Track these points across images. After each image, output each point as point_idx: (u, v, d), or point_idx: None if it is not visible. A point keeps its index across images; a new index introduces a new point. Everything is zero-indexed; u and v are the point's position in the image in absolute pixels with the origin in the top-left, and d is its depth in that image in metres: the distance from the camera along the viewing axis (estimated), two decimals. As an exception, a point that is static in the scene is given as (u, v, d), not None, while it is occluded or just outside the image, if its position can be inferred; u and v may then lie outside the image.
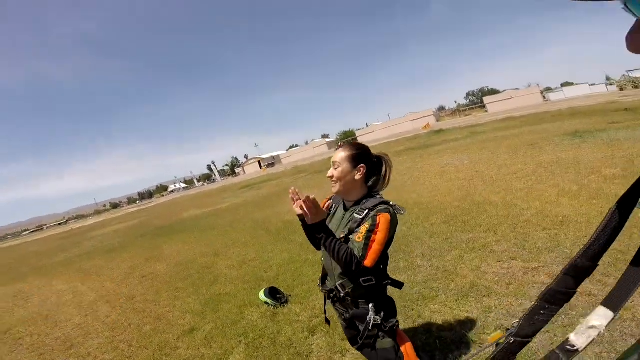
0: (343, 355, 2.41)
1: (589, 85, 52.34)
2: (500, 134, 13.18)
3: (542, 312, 0.53)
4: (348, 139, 65.40)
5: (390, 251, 5.13)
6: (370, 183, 1.57)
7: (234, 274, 4.74)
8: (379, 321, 1.52)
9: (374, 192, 1.56)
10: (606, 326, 0.48)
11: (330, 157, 1.60)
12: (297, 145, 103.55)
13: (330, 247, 1.37)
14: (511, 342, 0.56)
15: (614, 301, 0.47)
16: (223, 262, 5.49)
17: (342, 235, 1.48)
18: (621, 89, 45.04)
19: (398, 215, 1.47)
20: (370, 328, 1.52)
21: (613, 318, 0.48)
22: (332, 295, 1.63)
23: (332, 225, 1.58)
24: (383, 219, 1.38)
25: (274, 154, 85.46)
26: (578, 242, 3.15)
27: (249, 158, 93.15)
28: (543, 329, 0.55)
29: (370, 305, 1.54)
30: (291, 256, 4.83)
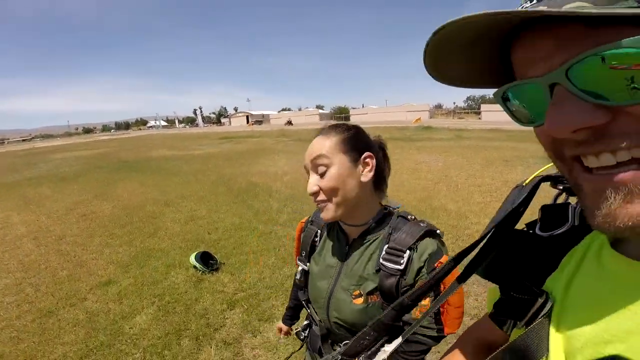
0: (254, 336, 2.37)
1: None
2: (482, 144, 13.27)
3: (367, 337, 0.62)
4: (341, 115, 64.68)
5: None
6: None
7: (176, 229, 4.58)
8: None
9: (389, 207, 0.92)
10: (392, 350, 0.61)
11: (319, 128, 0.89)
12: (289, 109, 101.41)
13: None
14: (338, 359, 0.67)
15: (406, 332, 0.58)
16: (171, 214, 5.31)
17: (356, 294, 0.85)
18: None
19: None
20: None
21: (400, 343, 0.59)
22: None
23: (319, 270, 0.94)
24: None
25: (265, 112, 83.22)
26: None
27: (237, 111, 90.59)
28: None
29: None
30: (241, 222, 4.71)
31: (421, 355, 0.85)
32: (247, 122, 70.37)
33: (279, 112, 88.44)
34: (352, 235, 0.91)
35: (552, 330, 0.37)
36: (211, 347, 2.26)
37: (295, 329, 1.18)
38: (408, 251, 0.79)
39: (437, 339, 0.85)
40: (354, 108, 70.60)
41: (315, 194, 0.82)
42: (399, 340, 0.59)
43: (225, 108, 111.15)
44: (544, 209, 0.49)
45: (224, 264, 3.42)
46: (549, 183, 0.50)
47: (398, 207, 0.93)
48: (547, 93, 0.29)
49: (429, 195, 5.71)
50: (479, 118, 48.58)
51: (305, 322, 1.13)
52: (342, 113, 68.13)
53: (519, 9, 0.26)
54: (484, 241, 0.51)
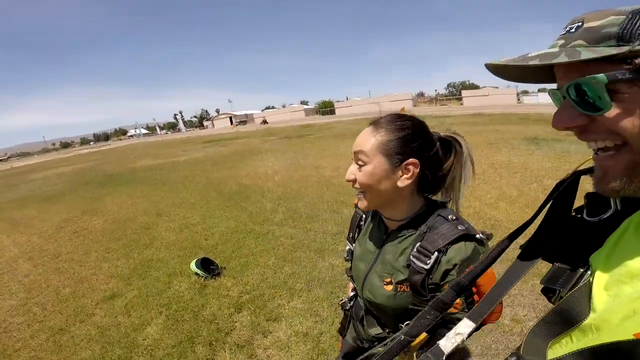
0: (264, 336, 2.40)
1: (565, 95, 54.65)
2: (466, 129, 13.50)
3: (427, 316, 0.64)
4: (326, 109, 64.75)
5: (334, 231, 4.88)
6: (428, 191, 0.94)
7: (172, 238, 4.55)
8: None
9: (435, 202, 0.93)
10: (468, 335, 0.57)
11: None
12: (273, 107, 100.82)
13: None
14: (401, 339, 0.67)
15: (476, 315, 0.57)
16: (164, 223, 5.25)
17: (387, 281, 0.90)
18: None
19: None
20: None
21: (474, 328, 0.57)
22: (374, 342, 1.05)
23: (361, 252, 1.02)
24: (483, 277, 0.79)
25: (248, 112, 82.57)
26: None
27: (220, 112, 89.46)
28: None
29: None
30: (237, 225, 4.70)
31: None
32: (231, 123, 69.72)
33: (262, 110, 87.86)
34: (391, 227, 0.94)
35: (594, 293, 0.43)
36: (225, 352, 2.28)
37: (341, 300, 1.26)
38: (436, 253, 0.79)
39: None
40: (338, 101, 70.57)
41: (352, 182, 0.86)
42: (470, 323, 0.57)
43: (206, 110, 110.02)
44: (589, 196, 0.54)
45: (225, 268, 3.44)
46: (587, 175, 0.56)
47: (447, 202, 0.93)
48: (561, 99, 0.44)
49: (419, 183, 5.83)
50: (461, 104, 49.43)
51: (352, 294, 1.20)
52: (326, 107, 68.13)
53: (549, 49, 0.42)
54: (533, 227, 0.60)
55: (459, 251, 0.79)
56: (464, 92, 56.19)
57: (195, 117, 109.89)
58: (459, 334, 0.58)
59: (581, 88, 0.39)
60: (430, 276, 0.81)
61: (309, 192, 6.00)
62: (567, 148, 8.22)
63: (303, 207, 5.18)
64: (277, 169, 8.85)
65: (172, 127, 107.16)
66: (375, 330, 1.06)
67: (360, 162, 0.84)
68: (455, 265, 0.78)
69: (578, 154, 7.40)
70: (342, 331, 1.36)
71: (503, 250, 0.62)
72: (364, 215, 1.08)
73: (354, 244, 1.10)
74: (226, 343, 2.37)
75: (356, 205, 1.06)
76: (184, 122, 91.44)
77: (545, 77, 0.48)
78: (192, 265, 3.32)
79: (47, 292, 3.50)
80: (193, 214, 5.55)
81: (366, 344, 1.15)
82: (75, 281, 3.67)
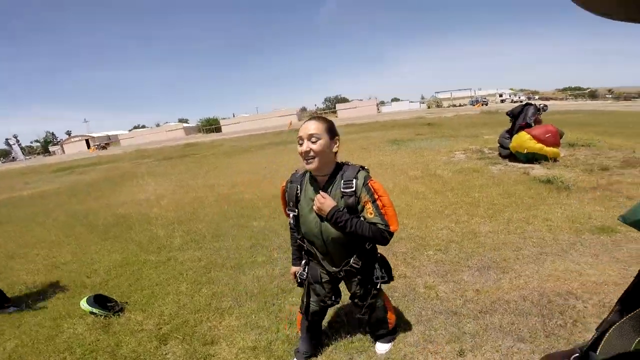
0: None
1: (409, 102, 67.41)
2: (343, 137, 14.85)
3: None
4: (211, 127, 61.66)
5: (247, 245, 4.70)
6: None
7: (39, 280, 3.72)
8: (385, 279, 1.67)
9: (341, 162, 1.60)
10: None
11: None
12: (144, 126, 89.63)
13: (356, 228, 1.43)
14: None
15: None
16: (21, 266, 4.24)
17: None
18: (429, 107, 60.14)
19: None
20: (376, 286, 1.68)
21: None
22: (340, 275, 1.65)
23: (309, 209, 1.55)
24: (376, 185, 1.48)
25: (111, 132, 71.05)
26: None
27: (72, 135, 74.17)
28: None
29: (376, 264, 1.67)
30: (125, 257, 4.13)
31: (369, 232, 1.44)
32: (88, 147, 58.72)
33: (130, 130, 77.10)
34: (322, 182, 1.55)
35: None
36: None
37: (298, 273, 1.81)
38: (354, 180, 1.48)
39: (388, 235, 1.46)
40: (224, 118, 67.95)
41: (307, 152, 1.45)
42: None
43: (52, 133, 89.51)
44: None
45: (127, 303, 3.03)
46: None
47: (344, 161, 1.63)
48: None
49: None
50: (336, 117, 54.81)
51: (303, 262, 1.79)
52: (211, 124, 65.04)
53: None
54: None
55: (362, 175, 1.51)
56: (338, 105, 62.69)
57: (37, 141, 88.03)
58: None
59: None
60: (357, 194, 1.47)
61: (209, 211, 5.74)
62: (420, 145, 10.49)
63: (205, 227, 4.92)
64: (162, 193, 8.07)
65: (4, 155, 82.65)
66: (332, 269, 1.64)
67: (314, 139, 1.44)
68: (363, 183, 1.48)
69: (427, 149, 9.47)
70: (303, 308, 1.86)
71: None
72: (298, 186, 1.61)
73: (296, 210, 1.61)
74: (166, 378, 2.10)
75: (288, 184, 1.67)
76: (22, 149, 72.04)
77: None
78: (84, 304, 2.82)
79: None
80: (60, 252, 4.61)
81: (329, 301, 1.78)
82: None
